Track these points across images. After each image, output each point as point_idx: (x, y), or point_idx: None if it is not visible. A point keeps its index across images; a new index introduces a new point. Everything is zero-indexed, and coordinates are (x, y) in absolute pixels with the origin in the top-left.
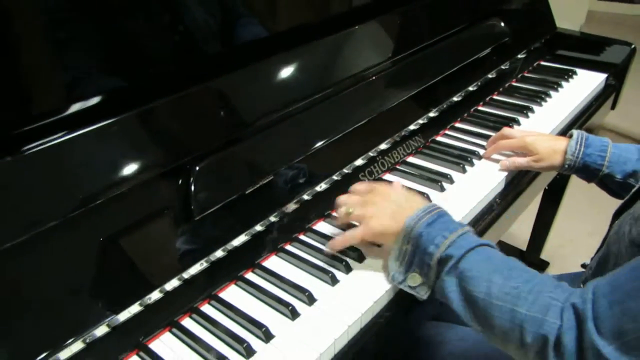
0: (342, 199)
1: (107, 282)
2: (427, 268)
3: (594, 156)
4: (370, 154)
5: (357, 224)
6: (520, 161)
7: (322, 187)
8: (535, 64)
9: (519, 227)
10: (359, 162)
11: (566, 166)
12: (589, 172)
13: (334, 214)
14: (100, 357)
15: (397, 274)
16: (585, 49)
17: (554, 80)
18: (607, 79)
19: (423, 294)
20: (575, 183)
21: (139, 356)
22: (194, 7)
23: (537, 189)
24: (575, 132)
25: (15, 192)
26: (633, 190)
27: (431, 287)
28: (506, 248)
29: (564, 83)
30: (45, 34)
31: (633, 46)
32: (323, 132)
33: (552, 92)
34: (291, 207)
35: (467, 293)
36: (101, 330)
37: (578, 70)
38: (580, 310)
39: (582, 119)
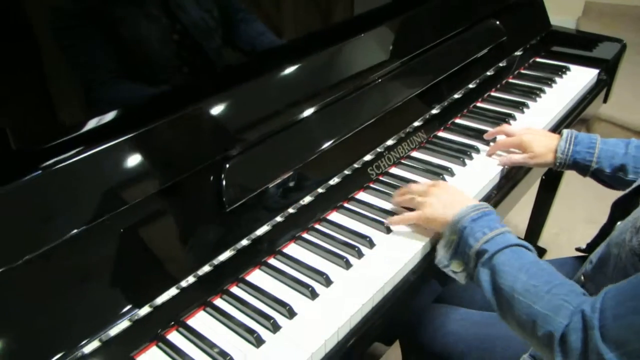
0: (410, 186)
1: (148, 268)
2: (467, 258)
3: (583, 153)
4: (378, 149)
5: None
6: (517, 158)
7: (335, 181)
8: (531, 61)
9: (517, 216)
10: (368, 157)
11: (557, 164)
12: (580, 167)
13: (346, 205)
14: (146, 329)
15: (443, 259)
16: (579, 45)
17: (548, 76)
18: (599, 74)
19: (462, 279)
20: (572, 172)
21: (179, 333)
22: (216, 23)
23: (531, 181)
24: (564, 132)
25: (90, 182)
26: (634, 185)
27: (470, 275)
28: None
29: (557, 79)
30: (74, 55)
31: (623, 42)
32: (336, 130)
33: (546, 88)
34: (307, 199)
35: (496, 285)
36: (144, 310)
37: (571, 66)
38: (588, 317)
39: (575, 113)
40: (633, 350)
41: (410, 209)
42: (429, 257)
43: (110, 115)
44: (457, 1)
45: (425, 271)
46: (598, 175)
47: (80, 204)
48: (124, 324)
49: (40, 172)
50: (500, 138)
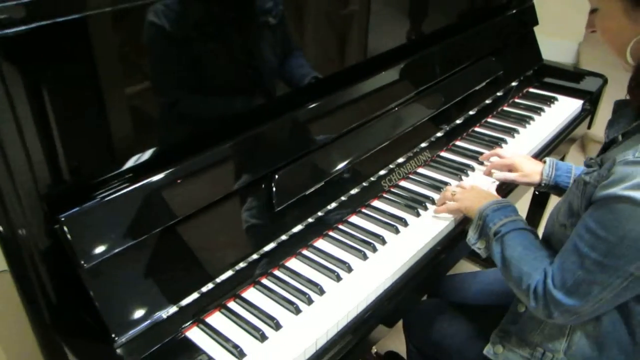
0: (452, 186)
1: (216, 253)
2: (487, 237)
3: (563, 177)
4: (391, 166)
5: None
6: (511, 176)
7: (355, 190)
8: (525, 91)
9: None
10: (382, 172)
11: (542, 184)
12: (559, 189)
13: (363, 210)
14: (212, 298)
15: (472, 239)
16: (567, 78)
17: (537, 105)
18: (583, 104)
19: (484, 254)
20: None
21: (236, 303)
22: (271, 59)
23: (519, 194)
24: (547, 160)
25: (190, 184)
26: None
27: (488, 249)
28: None
29: (546, 108)
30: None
31: (605, 78)
32: (357, 150)
33: (535, 116)
34: (333, 205)
35: (503, 255)
36: (216, 282)
37: (559, 97)
38: (547, 272)
39: (560, 138)
40: (570, 286)
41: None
42: (429, 254)
43: (193, 139)
44: (461, 43)
45: (422, 267)
46: None
47: (181, 201)
48: (208, 287)
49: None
50: (494, 159)
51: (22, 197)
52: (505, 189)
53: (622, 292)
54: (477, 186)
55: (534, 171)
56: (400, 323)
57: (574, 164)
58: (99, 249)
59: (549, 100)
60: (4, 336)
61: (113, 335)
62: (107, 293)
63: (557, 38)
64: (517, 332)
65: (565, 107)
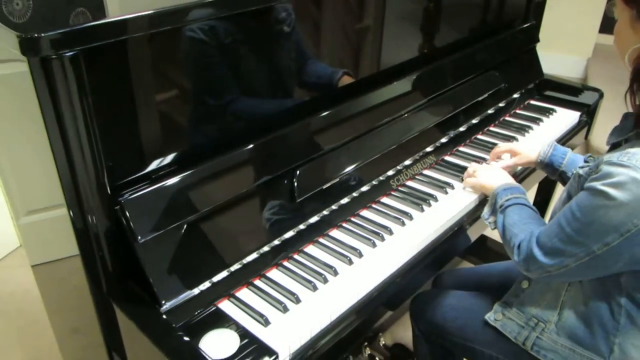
0: (474, 164)
1: (243, 238)
2: (496, 211)
3: (558, 157)
4: (398, 167)
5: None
6: (510, 161)
7: (366, 188)
8: (526, 102)
9: None
10: (390, 172)
11: (539, 161)
12: (552, 168)
13: (373, 205)
14: (241, 276)
15: (486, 214)
16: (566, 92)
17: (537, 116)
18: (580, 116)
19: (492, 226)
20: (560, 191)
21: (262, 281)
22: (294, 70)
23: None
24: (549, 141)
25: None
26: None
27: (495, 223)
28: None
29: (544, 119)
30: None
31: (601, 92)
32: (369, 152)
33: (534, 126)
34: (345, 200)
35: (504, 223)
36: (244, 261)
37: (557, 109)
38: (532, 233)
39: None
40: (548, 248)
41: None
42: (432, 245)
43: (227, 138)
44: (467, 57)
45: (425, 256)
46: (562, 177)
47: (216, 191)
48: (236, 267)
49: (197, 167)
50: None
51: (90, 187)
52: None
53: (584, 265)
54: (496, 167)
55: (530, 150)
56: (405, 317)
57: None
58: (151, 227)
59: (548, 112)
60: (66, 307)
61: (162, 302)
62: (156, 265)
63: (567, 53)
64: (517, 304)
65: (563, 118)
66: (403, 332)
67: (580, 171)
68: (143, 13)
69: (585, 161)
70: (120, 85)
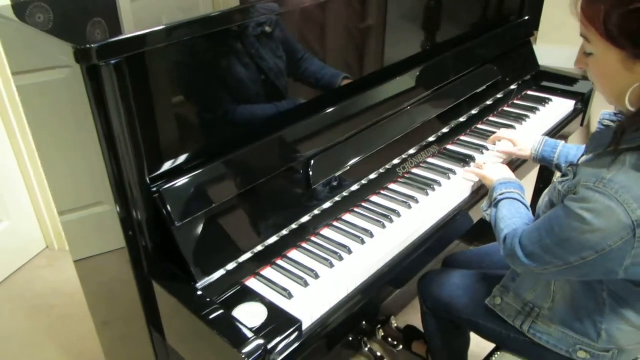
0: (485, 159)
1: (264, 223)
2: (492, 203)
3: (548, 152)
4: (403, 156)
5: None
6: (508, 148)
7: (374, 175)
8: (523, 93)
9: None
10: (396, 161)
11: (533, 158)
12: (547, 161)
13: (382, 191)
14: (268, 255)
15: (485, 206)
16: (562, 81)
17: (534, 106)
18: (575, 104)
19: (488, 219)
20: None
21: (283, 261)
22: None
23: (523, 173)
24: (540, 137)
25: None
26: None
27: (490, 215)
28: None
29: (541, 108)
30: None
31: None
32: (376, 142)
33: (531, 115)
34: (355, 187)
35: (496, 215)
36: (265, 244)
37: (553, 98)
38: (516, 232)
39: (552, 134)
40: (528, 252)
41: None
42: (436, 226)
43: (249, 132)
44: (466, 52)
45: (429, 237)
46: (559, 168)
47: (240, 179)
48: (258, 249)
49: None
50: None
51: (134, 180)
52: (513, 165)
53: (562, 271)
54: (503, 165)
55: (527, 146)
56: (415, 301)
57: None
58: (185, 213)
59: (544, 101)
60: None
61: (197, 279)
62: (190, 247)
63: (562, 45)
64: (514, 288)
65: (559, 107)
66: (414, 315)
67: (560, 187)
68: (174, 23)
69: (564, 174)
70: (156, 88)
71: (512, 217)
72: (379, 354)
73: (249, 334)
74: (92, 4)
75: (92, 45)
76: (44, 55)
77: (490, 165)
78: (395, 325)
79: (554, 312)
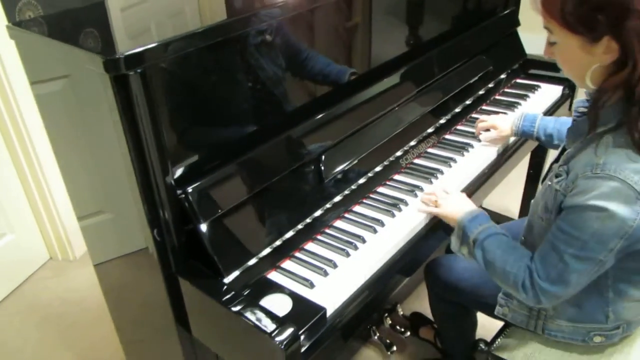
0: (435, 190)
1: (280, 219)
2: (468, 244)
3: (528, 126)
4: (405, 148)
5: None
6: (491, 135)
7: (379, 168)
8: (513, 81)
9: (510, 203)
10: (399, 153)
11: (514, 132)
12: (527, 135)
13: (387, 182)
14: (287, 249)
15: (455, 245)
16: (549, 68)
17: (523, 93)
18: (563, 89)
19: (467, 258)
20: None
21: (301, 253)
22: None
23: (511, 165)
24: (518, 113)
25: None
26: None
27: (470, 254)
28: (500, 218)
29: (531, 95)
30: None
31: None
32: (380, 136)
33: (522, 102)
34: (362, 180)
35: (485, 258)
36: (285, 237)
37: (542, 85)
38: (531, 268)
39: None
40: (554, 276)
41: None
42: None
43: (259, 135)
44: (457, 45)
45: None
46: (540, 141)
47: (256, 178)
48: (277, 244)
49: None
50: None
51: (159, 181)
52: (497, 161)
53: (594, 275)
54: (455, 193)
55: (507, 125)
56: (419, 288)
57: None
58: (209, 211)
59: (533, 88)
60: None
61: (224, 274)
62: (215, 244)
63: (545, 33)
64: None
65: (547, 93)
66: (418, 302)
67: (556, 185)
68: (188, 33)
69: (557, 174)
70: (178, 94)
71: (512, 252)
72: (388, 341)
73: (281, 322)
74: (83, 15)
75: (121, 56)
76: (65, 65)
77: (445, 201)
78: (402, 312)
79: (559, 312)
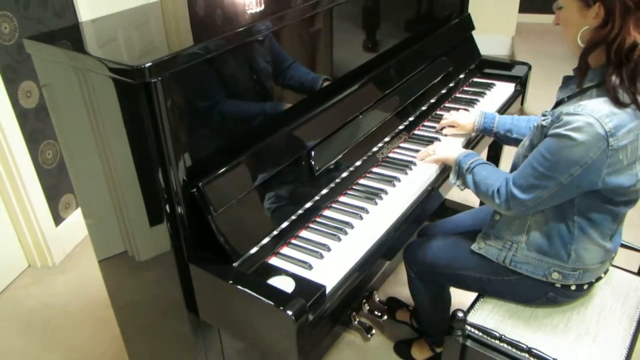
0: (427, 149)
1: (280, 205)
2: (462, 175)
3: (489, 122)
4: (380, 144)
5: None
6: (453, 131)
7: (359, 163)
8: (470, 80)
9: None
10: (375, 148)
11: (476, 128)
12: (487, 131)
13: (367, 175)
14: (284, 237)
15: (452, 179)
16: (502, 67)
17: (481, 90)
18: (515, 86)
19: (462, 188)
20: (508, 154)
21: (297, 240)
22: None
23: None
24: (478, 111)
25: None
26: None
27: (463, 183)
28: (462, 207)
29: (487, 92)
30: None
31: (529, 65)
32: (360, 133)
33: (480, 99)
34: (345, 174)
35: (474, 180)
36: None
37: (496, 83)
38: (507, 178)
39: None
40: (525, 186)
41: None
42: (419, 197)
43: (259, 134)
44: (420, 50)
45: (416, 207)
46: (497, 136)
47: (256, 173)
48: (274, 233)
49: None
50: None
51: (176, 177)
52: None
53: (554, 194)
54: (442, 141)
55: (467, 122)
56: (393, 276)
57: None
58: (219, 204)
59: (489, 86)
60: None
61: (233, 259)
62: (224, 232)
63: (493, 34)
64: (494, 232)
65: (502, 90)
66: (393, 288)
67: (543, 122)
68: (202, 44)
69: (543, 115)
70: (191, 99)
71: (494, 172)
72: (368, 325)
73: (290, 297)
74: (55, 26)
75: (145, 65)
76: (88, 75)
77: (441, 147)
78: (378, 298)
79: (530, 243)
